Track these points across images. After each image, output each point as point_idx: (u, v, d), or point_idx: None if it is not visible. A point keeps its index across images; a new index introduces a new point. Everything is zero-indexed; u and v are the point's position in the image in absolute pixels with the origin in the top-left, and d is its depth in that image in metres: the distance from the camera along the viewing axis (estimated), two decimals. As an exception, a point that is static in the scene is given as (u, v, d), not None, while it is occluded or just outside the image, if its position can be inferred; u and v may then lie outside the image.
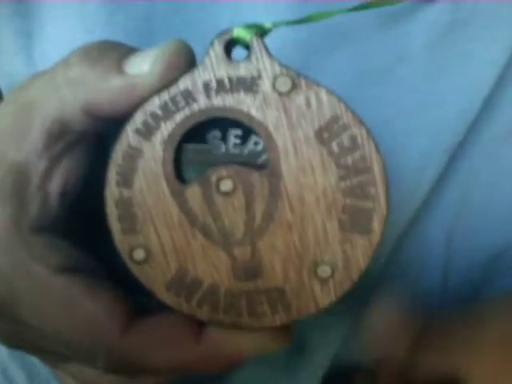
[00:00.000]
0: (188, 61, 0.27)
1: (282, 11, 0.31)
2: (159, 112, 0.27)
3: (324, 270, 0.27)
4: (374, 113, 0.27)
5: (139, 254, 0.27)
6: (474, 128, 0.33)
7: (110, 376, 0.30)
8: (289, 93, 0.26)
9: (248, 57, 0.27)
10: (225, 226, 0.27)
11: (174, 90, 0.27)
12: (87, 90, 0.27)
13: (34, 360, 0.41)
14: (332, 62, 0.32)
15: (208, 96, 0.27)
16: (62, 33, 0.33)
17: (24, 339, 0.30)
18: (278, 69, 0.26)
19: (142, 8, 0.32)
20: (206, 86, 0.27)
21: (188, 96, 0.27)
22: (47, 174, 0.28)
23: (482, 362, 0.29)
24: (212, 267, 0.27)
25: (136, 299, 0.29)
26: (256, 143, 0.28)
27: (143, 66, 0.26)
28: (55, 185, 0.28)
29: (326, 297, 0.27)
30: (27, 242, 0.28)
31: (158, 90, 0.27)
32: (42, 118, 0.27)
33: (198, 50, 0.27)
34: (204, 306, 0.28)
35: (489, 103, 0.32)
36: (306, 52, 0.31)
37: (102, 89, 0.27)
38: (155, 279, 0.28)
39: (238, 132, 0.28)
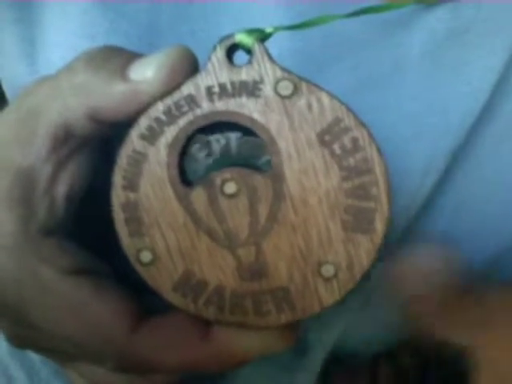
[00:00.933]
0: (191, 66, 0.27)
1: (283, 21, 0.31)
2: (163, 117, 0.27)
3: (328, 270, 0.27)
4: (375, 120, 0.27)
5: (146, 256, 0.28)
6: (473, 130, 0.33)
7: (118, 375, 0.31)
8: (290, 96, 0.27)
9: (250, 61, 0.27)
10: (229, 228, 0.27)
11: (177, 95, 0.27)
12: (91, 96, 0.27)
13: (34, 359, 0.41)
14: (330, 72, 0.32)
15: (211, 100, 0.27)
16: (65, 40, 0.33)
17: (33, 340, 0.30)
18: (279, 73, 0.27)
19: (145, 16, 0.32)
20: (209, 91, 0.27)
21: (191, 101, 0.27)
22: (53, 179, 0.28)
23: (497, 344, 0.29)
24: (218, 268, 0.28)
25: (143, 299, 0.30)
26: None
27: (147, 72, 0.27)
28: (61, 189, 0.29)
29: (330, 296, 0.27)
30: (35, 246, 0.28)
31: (161, 96, 0.27)
32: (47, 124, 0.28)
33: (201, 59, 0.27)
34: (210, 307, 0.28)
35: (488, 105, 0.33)
36: (304, 62, 0.32)
37: (106, 95, 0.27)
38: (162, 281, 0.28)
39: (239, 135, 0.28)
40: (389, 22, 0.32)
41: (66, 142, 0.28)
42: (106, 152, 0.30)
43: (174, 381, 0.31)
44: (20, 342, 0.31)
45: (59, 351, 0.30)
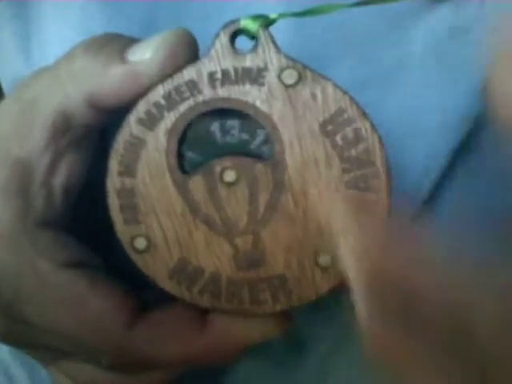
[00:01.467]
0: (191, 49, 0.27)
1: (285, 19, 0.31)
2: (163, 102, 0.27)
3: (325, 260, 0.27)
4: (375, 117, 0.27)
5: (140, 243, 0.27)
6: (475, 129, 0.33)
7: (107, 374, 0.30)
8: (295, 85, 0.26)
9: (254, 48, 0.27)
10: (228, 217, 0.27)
11: (178, 79, 0.27)
12: (90, 82, 0.27)
13: (35, 358, 0.41)
14: (332, 68, 0.31)
15: (213, 87, 0.27)
16: (63, 35, 0.33)
17: (24, 336, 0.30)
18: (284, 61, 0.27)
19: (143, 13, 0.32)
20: (211, 77, 0.27)
21: (193, 86, 0.27)
22: (50, 170, 0.28)
23: None
24: (214, 256, 0.27)
25: (138, 294, 0.29)
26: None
27: (145, 54, 0.27)
28: (59, 180, 0.28)
29: (325, 284, 0.27)
30: (33, 238, 0.28)
31: (161, 79, 0.27)
32: (46, 113, 0.28)
33: (200, 56, 0.27)
34: (206, 295, 0.28)
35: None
36: (305, 58, 0.31)
37: (105, 78, 0.27)
38: (157, 268, 0.28)
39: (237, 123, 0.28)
40: (392, 20, 0.31)
41: (66, 132, 0.28)
42: (103, 145, 0.29)
43: (166, 380, 0.31)
44: (11, 337, 0.31)
45: (51, 348, 0.30)
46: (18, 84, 0.29)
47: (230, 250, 0.27)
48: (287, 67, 0.27)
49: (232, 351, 0.29)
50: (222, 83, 0.27)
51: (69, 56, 0.28)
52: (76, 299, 0.28)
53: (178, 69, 0.27)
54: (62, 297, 0.28)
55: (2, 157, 0.28)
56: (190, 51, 0.27)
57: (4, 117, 0.29)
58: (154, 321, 0.29)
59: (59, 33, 0.33)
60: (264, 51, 0.27)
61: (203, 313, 0.28)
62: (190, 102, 0.27)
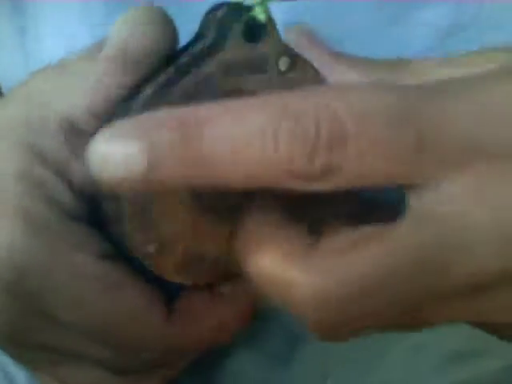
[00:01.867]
0: (159, 25, 0.27)
1: (282, 12, 0.31)
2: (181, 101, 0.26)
3: None
4: None
5: (151, 248, 0.27)
6: None
7: (108, 379, 0.30)
8: (287, 72, 0.27)
9: (263, 37, 0.27)
10: (231, 202, 0.27)
11: (196, 76, 0.27)
12: (87, 89, 0.27)
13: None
14: None
15: (225, 79, 0.27)
16: (62, 30, 0.33)
17: (33, 333, 0.29)
18: (282, 48, 0.27)
19: None
20: (226, 69, 0.27)
21: (209, 81, 0.27)
22: (68, 165, 0.28)
23: None
24: (216, 242, 0.28)
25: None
26: None
27: (112, 41, 0.27)
28: (77, 178, 0.28)
29: None
30: (65, 230, 0.28)
31: (178, 79, 0.27)
32: (55, 118, 0.28)
33: None
34: (210, 274, 0.28)
35: None
36: None
37: (97, 82, 0.27)
38: (166, 265, 0.28)
39: None
40: (391, 18, 0.32)
41: (77, 135, 0.28)
42: None
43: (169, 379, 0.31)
44: (17, 334, 0.30)
45: (56, 350, 0.29)
46: (23, 86, 0.29)
47: (229, 233, 0.27)
48: (283, 54, 0.27)
49: (251, 312, 0.30)
50: (233, 74, 0.27)
51: (66, 63, 0.28)
52: (116, 289, 0.28)
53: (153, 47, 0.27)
54: (101, 288, 0.28)
55: (14, 141, 0.28)
56: (156, 27, 0.27)
57: (14, 107, 0.29)
58: (180, 307, 0.29)
59: (58, 27, 0.33)
60: (270, 39, 0.27)
61: (213, 287, 0.29)
62: (204, 98, 0.27)
